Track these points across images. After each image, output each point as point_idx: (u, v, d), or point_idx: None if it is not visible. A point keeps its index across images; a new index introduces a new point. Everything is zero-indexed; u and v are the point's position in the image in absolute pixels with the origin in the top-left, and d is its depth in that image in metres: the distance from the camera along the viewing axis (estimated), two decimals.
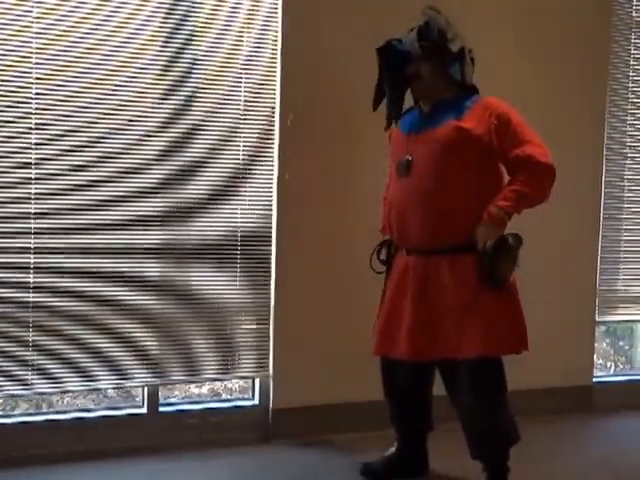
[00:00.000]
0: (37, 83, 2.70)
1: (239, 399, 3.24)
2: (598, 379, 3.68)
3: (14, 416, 2.91)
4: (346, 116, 3.08)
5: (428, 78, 2.53)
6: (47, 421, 2.87)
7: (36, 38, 2.68)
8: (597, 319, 3.62)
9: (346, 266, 3.10)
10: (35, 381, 2.77)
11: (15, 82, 2.68)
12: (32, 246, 2.73)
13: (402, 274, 2.57)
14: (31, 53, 2.68)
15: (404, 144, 2.57)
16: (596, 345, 3.69)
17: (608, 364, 4.02)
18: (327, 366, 3.11)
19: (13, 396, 2.83)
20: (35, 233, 2.73)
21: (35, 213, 2.73)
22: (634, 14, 3.59)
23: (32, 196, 2.72)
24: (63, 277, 2.77)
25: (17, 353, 2.74)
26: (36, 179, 2.72)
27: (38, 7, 2.67)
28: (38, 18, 2.68)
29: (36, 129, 2.71)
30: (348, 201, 3.14)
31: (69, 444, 2.83)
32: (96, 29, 2.76)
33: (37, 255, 2.75)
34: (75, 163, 2.77)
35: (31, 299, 2.74)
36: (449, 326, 2.46)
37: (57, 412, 2.96)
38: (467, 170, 2.46)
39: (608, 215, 3.60)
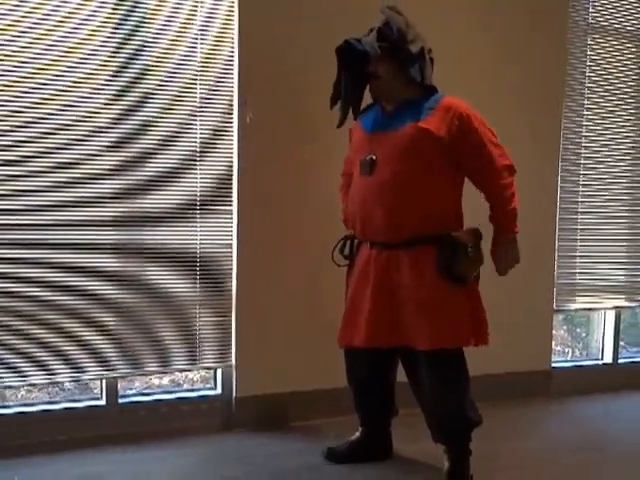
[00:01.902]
0: None
1: (202, 389, 3.20)
2: (556, 364, 3.75)
3: None
4: (304, 109, 3.06)
5: (386, 78, 2.54)
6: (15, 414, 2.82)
7: None
8: (555, 307, 3.68)
9: (309, 256, 3.09)
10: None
11: None
12: None
13: (364, 266, 2.59)
14: None
15: (367, 143, 2.58)
16: (554, 332, 3.76)
17: (566, 350, 4.10)
18: (290, 354, 3.11)
19: None
20: None
21: None
22: (590, 20, 3.67)
23: None
24: (27, 268, 2.72)
25: None
26: None
27: None
28: None
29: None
30: (308, 194, 3.12)
31: (31, 436, 2.78)
32: (45, 20, 2.70)
33: None
34: (32, 166, 2.73)
35: None
36: (406, 317, 2.49)
37: (24, 405, 2.89)
38: (428, 169, 2.49)
39: (564, 206, 3.66)
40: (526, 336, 3.53)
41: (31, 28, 2.68)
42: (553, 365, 3.70)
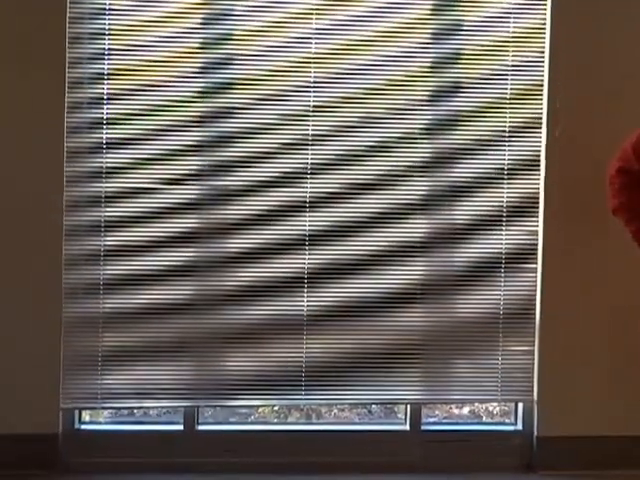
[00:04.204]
0: None
1: (501, 423, 3.16)
2: None
3: (287, 424, 3.12)
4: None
5: None
6: (315, 432, 3.02)
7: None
8: None
9: (623, 284, 2.89)
10: (307, 392, 2.93)
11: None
12: None
13: None
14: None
15: None
16: None
17: None
18: (600, 393, 2.92)
19: (287, 405, 3.05)
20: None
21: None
22: None
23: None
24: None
25: (291, 365, 2.91)
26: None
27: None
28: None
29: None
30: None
31: (331, 455, 2.94)
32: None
33: None
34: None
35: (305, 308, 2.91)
36: None
37: (324, 423, 3.12)
38: None
39: None
40: None
41: None
42: None
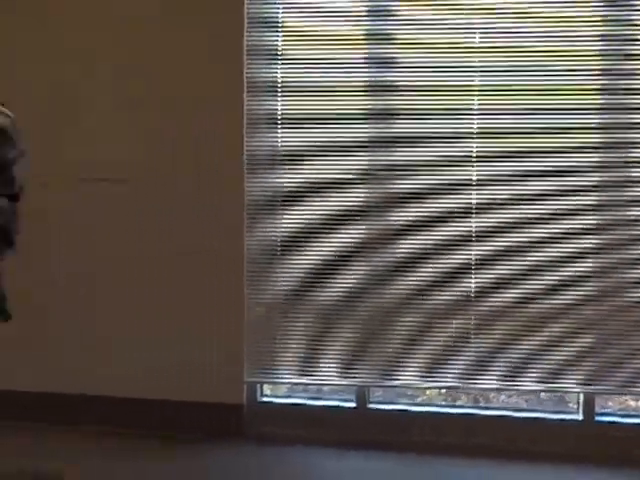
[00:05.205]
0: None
1: None
2: None
3: (456, 407, 3.18)
4: None
5: None
6: (483, 416, 3.05)
7: None
8: None
9: None
10: (475, 376, 2.97)
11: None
12: None
13: None
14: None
15: None
16: None
17: None
18: None
19: (453, 388, 3.09)
20: None
21: None
22: None
23: None
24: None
25: (460, 349, 2.97)
26: None
27: None
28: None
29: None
30: None
31: (496, 440, 2.96)
32: None
33: None
34: None
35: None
36: None
37: (492, 408, 3.14)
38: None
39: None
40: None
41: None
42: None
